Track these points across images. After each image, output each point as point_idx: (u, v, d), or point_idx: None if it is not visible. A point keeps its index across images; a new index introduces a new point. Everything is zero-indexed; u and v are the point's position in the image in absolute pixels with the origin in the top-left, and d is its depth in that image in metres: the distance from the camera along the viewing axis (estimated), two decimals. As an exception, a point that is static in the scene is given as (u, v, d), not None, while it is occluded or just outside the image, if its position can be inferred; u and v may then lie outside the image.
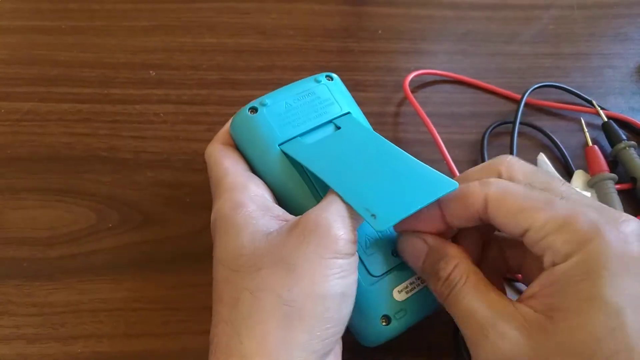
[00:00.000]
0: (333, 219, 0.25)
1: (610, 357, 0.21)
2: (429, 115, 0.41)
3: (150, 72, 0.45)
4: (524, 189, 0.25)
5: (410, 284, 0.29)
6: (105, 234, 0.36)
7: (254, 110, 0.31)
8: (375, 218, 0.25)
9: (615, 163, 0.41)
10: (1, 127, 0.41)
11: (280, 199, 0.30)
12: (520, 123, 0.41)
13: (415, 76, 0.44)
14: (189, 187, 0.39)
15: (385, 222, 0.25)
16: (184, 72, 0.45)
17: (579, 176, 0.40)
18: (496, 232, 0.30)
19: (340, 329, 0.25)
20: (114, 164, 0.39)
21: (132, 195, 0.38)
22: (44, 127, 0.41)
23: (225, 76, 0.45)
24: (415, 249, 0.28)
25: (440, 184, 0.26)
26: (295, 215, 0.27)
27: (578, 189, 0.37)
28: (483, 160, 0.40)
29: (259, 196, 0.28)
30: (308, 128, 0.31)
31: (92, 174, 0.39)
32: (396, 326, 0.29)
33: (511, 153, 0.39)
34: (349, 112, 0.32)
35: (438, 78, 0.46)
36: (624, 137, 0.41)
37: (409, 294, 0.29)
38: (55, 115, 0.42)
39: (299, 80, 0.33)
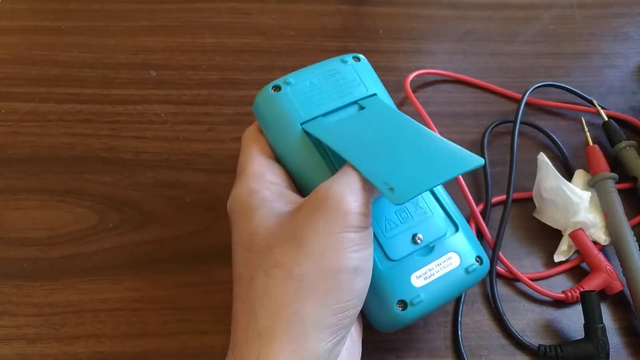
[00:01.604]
0: (343, 192, 0.25)
1: None
2: (430, 114, 0.41)
3: (151, 72, 0.45)
4: None
5: (429, 270, 0.29)
6: (105, 234, 0.36)
7: (277, 88, 0.30)
8: (393, 192, 0.24)
9: (615, 162, 0.41)
10: (1, 127, 0.41)
11: (300, 180, 0.30)
12: (521, 122, 0.41)
13: (416, 76, 0.44)
14: (189, 187, 0.39)
15: (404, 196, 0.24)
16: (185, 72, 0.45)
17: (579, 176, 0.40)
18: None
19: (355, 303, 0.25)
20: (114, 165, 0.39)
21: (132, 196, 0.38)
22: (44, 128, 0.41)
23: (226, 76, 0.45)
24: None
25: (465, 160, 0.25)
26: None
27: (578, 189, 0.37)
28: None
29: (274, 184, 0.28)
30: (332, 108, 0.30)
31: (93, 175, 0.39)
32: (413, 312, 0.28)
33: (512, 152, 0.39)
34: (375, 94, 0.31)
35: (439, 78, 0.46)
36: (624, 136, 0.41)
37: (428, 280, 0.28)
38: (56, 116, 0.42)
39: (325, 60, 0.32)
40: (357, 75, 0.32)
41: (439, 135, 0.27)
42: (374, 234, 0.28)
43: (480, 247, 0.31)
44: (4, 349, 0.32)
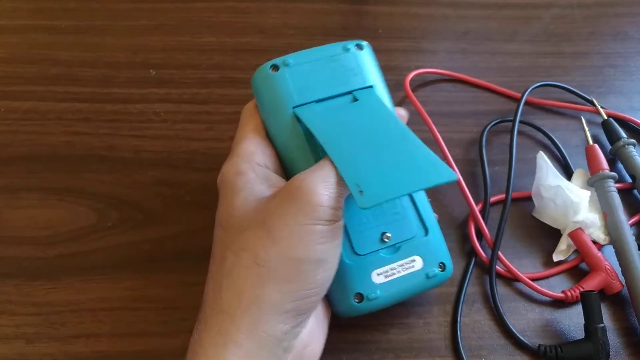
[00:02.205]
0: (316, 185, 0.25)
1: None
2: (429, 114, 0.40)
3: (150, 71, 0.45)
4: None
5: (391, 269, 0.30)
6: (105, 233, 0.36)
7: (275, 68, 0.30)
8: (362, 195, 0.24)
9: (615, 161, 0.41)
10: (1, 126, 0.41)
11: (285, 161, 0.30)
12: (520, 122, 0.41)
13: (416, 75, 0.44)
14: (189, 186, 0.38)
15: (371, 201, 0.24)
16: (184, 71, 0.45)
17: (579, 175, 0.40)
18: None
19: (316, 292, 0.26)
20: (114, 163, 0.39)
21: (132, 195, 0.38)
22: (44, 126, 0.41)
23: (225, 75, 0.45)
24: None
25: (438, 173, 0.26)
26: None
27: (578, 188, 0.37)
28: (482, 158, 0.40)
29: (261, 166, 0.29)
30: (326, 95, 0.30)
31: (92, 173, 0.39)
32: (367, 305, 0.29)
33: (510, 152, 0.39)
34: (371, 86, 0.31)
35: (438, 77, 0.46)
36: (623, 135, 0.40)
37: (387, 279, 0.30)
38: (55, 114, 0.42)
39: (328, 45, 0.32)
40: (358, 64, 0.31)
41: (420, 142, 0.27)
42: (345, 226, 0.28)
43: (447, 253, 0.31)
44: (3, 348, 0.32)
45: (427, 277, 0.30)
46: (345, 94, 0.30)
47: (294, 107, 0.30)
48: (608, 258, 0.36)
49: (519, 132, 0.41)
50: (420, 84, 0.45)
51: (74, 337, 0.32)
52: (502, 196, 0.38)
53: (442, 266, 0.31)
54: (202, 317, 0.26)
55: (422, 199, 0.32)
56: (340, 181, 0.26)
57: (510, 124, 0.41)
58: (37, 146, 0.40)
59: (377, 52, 0.48)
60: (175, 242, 0.36)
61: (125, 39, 0.47)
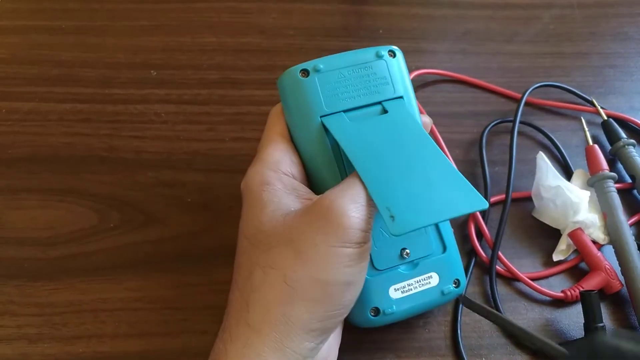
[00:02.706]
0: (346, 206, 0.25)
1: None
2: (430, 114, 0.40)
3: (151, 71, 0.45)
4: None
5: (408, 284, 0.30)
6: (106, 234, 0.36)
7: (305, 73, 0.29)
8: (393, 220, 0.24)
9: (615, 162, 0.41)
10: (2, 127, 0.41)
11: (309, 171, 0.30)
12: (520, 122, 0.41)
13: (416, 75, 0.44)
14: (189, 187, 0.39)
15: (402, 228, 0.24)
16: (185, 71, 0.45)
17: (578, 175, 0.40)
18: None
19: (343, 312, 0.26)
20: (114, 164, 0.39)
21: (133, 196, 0.38)
22: (45, 127, 0.41)
23: (226, 76, 0.45)
24: None
25: (470, 201, 0.25)
26: (318, 192, 0.27)
27: (577, 188, 0.37)
28: (482, 159, 0.40)
29: (288, 176, 0.28)
30: (355, 105, 0.29)
31: (93, 174, 0.39)
32: (383, 319, 0.29)
33: (510, 152, 0.39)
34: (401, 97, 0.31)
35: (439, 77, 0.46)
36: (623, 135, 0.41)
37: (404, 294, 0.30)
38: (56, 115, 0.42)
39: (360, 49, 0.31)
40: (389, 72, 0.31)
41: (451, 165, 0.27)
42: None
43: (462, 269, 0.32)
44: (6, 349, 0.32)
45: (443, 293, 0.30)
46: (374, 104, 0.30)
47: (322, 116, 0.29)
48: (608, 258, 0.36)
49: (519, 133, 0.42)
50: (420, 85, 0.45)
51: (75, 337, 0.32)
52: (502, 196, 0.38)
53: (457, 282, 0.31)
54: (227, 327, 0.26)
55: None
56: (370, 202, 0.25)
57: (510, 124, 0.41)
58: (38, 147, 0.40)
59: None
60: (176, 242, 0.36)
61: (126, 40, 0.47)
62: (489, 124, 0.42)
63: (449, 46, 0.49)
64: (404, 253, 0.30)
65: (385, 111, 0.30)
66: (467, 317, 0.34)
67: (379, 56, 0.31)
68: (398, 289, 0.30)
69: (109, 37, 0.47)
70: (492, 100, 0.45)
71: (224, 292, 0.27)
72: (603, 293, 0.35)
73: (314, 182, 0.30)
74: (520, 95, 0.43)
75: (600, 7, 0.52)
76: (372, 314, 0.29)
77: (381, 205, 0.25)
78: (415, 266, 0.30)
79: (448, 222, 0.32)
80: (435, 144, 0.28)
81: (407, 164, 0.27)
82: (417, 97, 0.42)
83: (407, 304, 0.30)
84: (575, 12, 0.52)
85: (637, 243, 0.36)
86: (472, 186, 0.26)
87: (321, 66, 0.29)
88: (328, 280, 0.25)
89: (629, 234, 0.36)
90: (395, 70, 0.31)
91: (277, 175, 0.28)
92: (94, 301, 0.34)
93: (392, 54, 0.31)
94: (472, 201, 0.25)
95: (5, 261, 0.35)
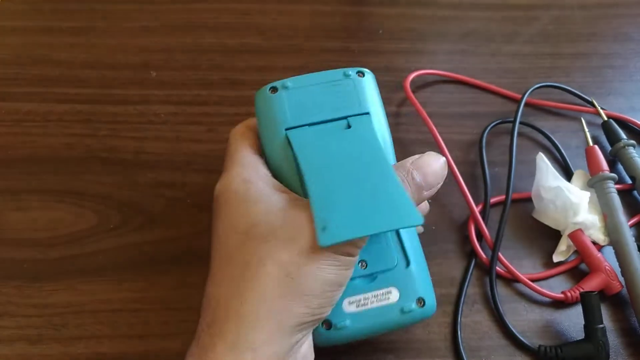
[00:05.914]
0: None
1: None
2: (429, 115, 0.41)
3: (151, 72, 0.45)
4: None
5: (365, 298, 0.29)
6: (105, 235, 0.36)
7: (274, 90, 0.30)
8: (323, 232, 0.24)
9: (615, 162, 0.41)
10: (1, 127, 0.41)
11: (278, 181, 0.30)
12: (520, 123, 0.41)
13: (416, 76, 0.44)
14: (189, 188, 0.39)
15: (330, 239, 0.24)
16: (185, 72, 0.45)
17: (579, 176, 0.40)
18: None
19: (329, 310, 0.27)
20: (114, 165, 0.39)
21: (132, 196, 0.38)
22: (44, 128, 0.41)
23: (226, 76, 0.45)
24: None
25: (404, 216, 0.25)
26: None
27: (577, 189, 0.37)
28: (482, 160, 0.40)
29: (268, 176, 0.29)
30: (320, 119, 0.30)
31: (93, 175, 0.39)
32: (335, 334, 0.28)
33: (510, 153, 0.39)
34: (367, 113, 0.30)
35: (439, 78, 0.46)
36: (623, 136, 0.41)
37: (359, 309, 0.28)
38: (56, 116, 0.42)
39: (329, 70, 0.31)
40: (356, 90, 0.31)
41: (396, 179, 0.27)
42: None
43: (430, 288, 0.30)
44: (5, 349, 0.32)
45: (402, 311, 0.28)
46: (340, 119, 0.30)
47: (287, 129, 0.29)
48: (608, 259, 0.36)
49: (519, 134, 0.42)
50: (420, 85, 0.45)
51: (75, 338, 0.32)
52: (502, 197, 0.38)
53: (421, 302, 0.29)
54: (214, 321, 0.25)
55: (409, 229, 0.31)
56: None
57: (510, 125, 0.41)
58: (37, 148, 0.40)
59: (378, 53, 0.49)
60: (175, 243, 0.36)
61: (126, 40, 0.47)
62: (489, 125, 0.42)
63: (449, 47, 0.49)
64: (360, 264, 0.29)
65: (349, 126, 0.30)
66: (467, 318, 0.34)
67: (346, 75, 0.31)
68: (353, 302, 0.28)
69: (109, 38, 0.47)
70: (492, 101, 0.45)
71: (223, 293, 0.28)
72: (603, 294, 0.35)
73: None
74: (520, 96, 0.43)
75: (600, 8, 0.52)
76: (325, 326, 0.28)
77: (317, 215, 0.25)
78: (373, 279, 0.29)
79: (415, 235, 0.31)
80: (387, 159, 0.28)
81: (355, 178, 0.27)
82: (417, 98, 0.42)
83: (363, 320, 0.28)
84: (575, 12, 0.52)
85: (637, 244, 0.36)
86: (411, 202, 0.26)
87: (289, 84, 0.30)
88: (326, 279, 0.25)
89: (629, 235, 0.36)
90: (363, 88, 0.31)
91: (257, 175, 0.28)
92: (94, 302, 0.34)
93: (361, 74, 0.31)
94: (407, 216, 0.25)
95: (4, 262, 0.35)
